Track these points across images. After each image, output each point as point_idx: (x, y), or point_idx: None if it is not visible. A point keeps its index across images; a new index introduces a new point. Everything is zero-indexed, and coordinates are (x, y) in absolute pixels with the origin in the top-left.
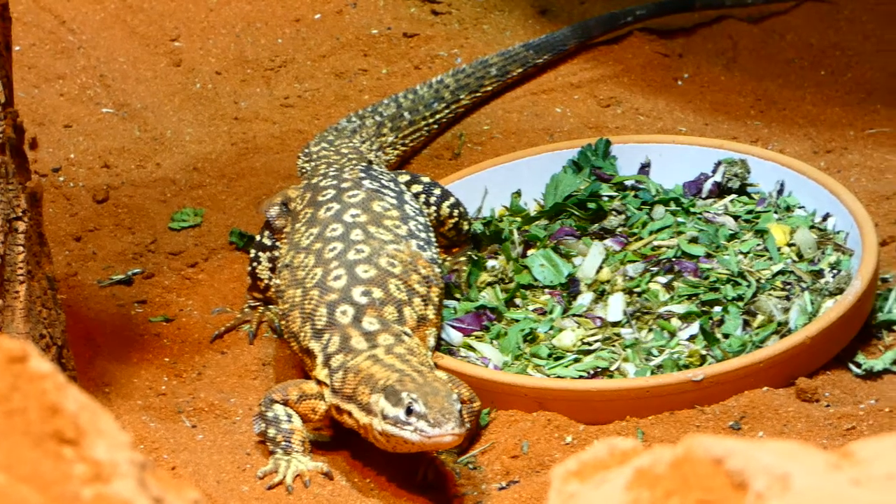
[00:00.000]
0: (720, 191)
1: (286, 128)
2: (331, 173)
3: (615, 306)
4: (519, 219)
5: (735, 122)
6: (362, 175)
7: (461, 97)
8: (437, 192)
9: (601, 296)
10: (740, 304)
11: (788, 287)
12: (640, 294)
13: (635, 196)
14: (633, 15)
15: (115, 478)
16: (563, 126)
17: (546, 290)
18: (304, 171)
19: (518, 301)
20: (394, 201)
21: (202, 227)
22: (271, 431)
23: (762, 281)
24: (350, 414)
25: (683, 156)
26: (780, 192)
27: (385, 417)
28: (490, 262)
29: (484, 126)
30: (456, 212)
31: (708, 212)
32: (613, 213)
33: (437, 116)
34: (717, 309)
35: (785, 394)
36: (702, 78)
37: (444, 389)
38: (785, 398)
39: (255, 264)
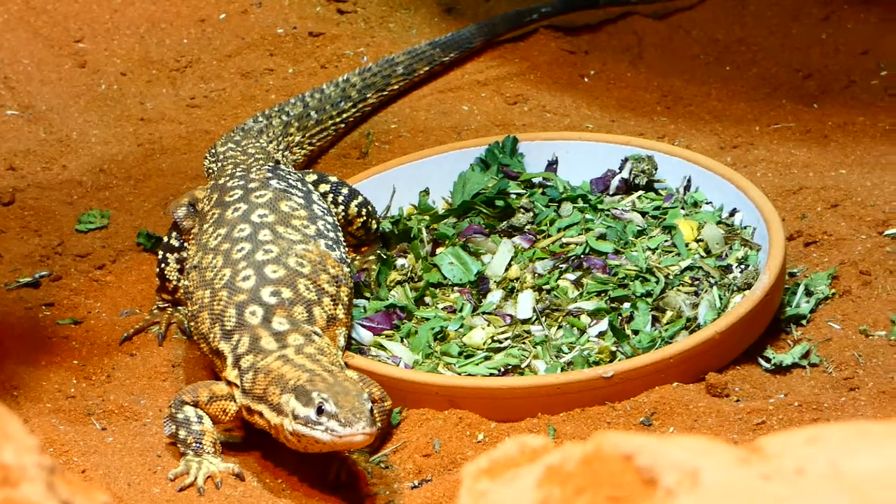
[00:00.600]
0: (627, 187)
1: (192, 128)
2: (238, 173)
3: (525, 304)
4: (427, 217)
5: (641, 118)
6: (269, 175)
7: (368, 96)
8: (345, 191)
9: (511, 293)
10: (649, 300)
11: (697, 282)
12: (549, 291)
13: (543, 193)
14: (539, 12)
15: (24, 482)
16: (470, 124)
17: (455, 289)
18: (210, 171)
19: (428, 299)
20: (301, 201)
21: (109, 228)
22: (182, 433)
23: (670, 277)
24: (261, 415)
25: (590, 153)
26: (687, 187)
27: (296, 418)
28: (399, 261)
29: (391, 125)
30: (364, 210)
31: (615, 208)
32: (521, 210)
33: (345, 115)
34: (626, 305)
35: (695, 389)
36: (608, 74)
37: (354, 389)
38: (695, 393)
39: (163, 265)
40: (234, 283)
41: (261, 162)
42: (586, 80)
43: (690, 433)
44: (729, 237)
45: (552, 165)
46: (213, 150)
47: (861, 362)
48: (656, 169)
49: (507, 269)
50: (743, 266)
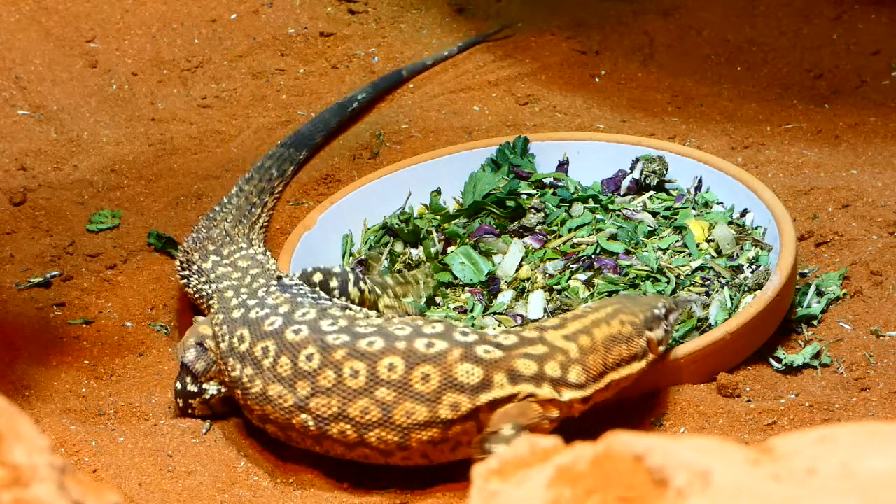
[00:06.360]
0: (638, 187)
1: (204, 128)
2: (249, 302)
3: (536, 304)
4: (438, 217)
5: (653, 118)
6: (288, 296)
7: (266, 199)
8: (335, 282)
9: (521, 294)
10: None
11: (708, 283)
12: (560, 291)
13: (554, 194)
14: (357, 100)
15: (35, 482)
16: (481, 124)
17: (466, 289)
18: (201, 293)
19: (439, 300)
20: (337, 302)
21: (120, 228)
22: None
23: (681, 277)
24: (608, 385)
25: (601, 153)
26: (698, 188)
27: (660, 343)
28: (411, 251)
29: (402, 125)
30: (362, 287)
31: (626, 209)
32: (532, 210)
33: (261, 221)
34: None
35: (706, 389)
36: (619, 75)
37: (624, 296)
38: (706, 394)
39: (189, 412)
40: (411, 347)
41: (262, 280)
42: (597, 80)
43: (701, 433)
44: (740, 237)
45: (563, 166)
46: (200, 267)
47: (872, 363)
48: (667, 169)
49: (517, 270)
50: (754, 266)
